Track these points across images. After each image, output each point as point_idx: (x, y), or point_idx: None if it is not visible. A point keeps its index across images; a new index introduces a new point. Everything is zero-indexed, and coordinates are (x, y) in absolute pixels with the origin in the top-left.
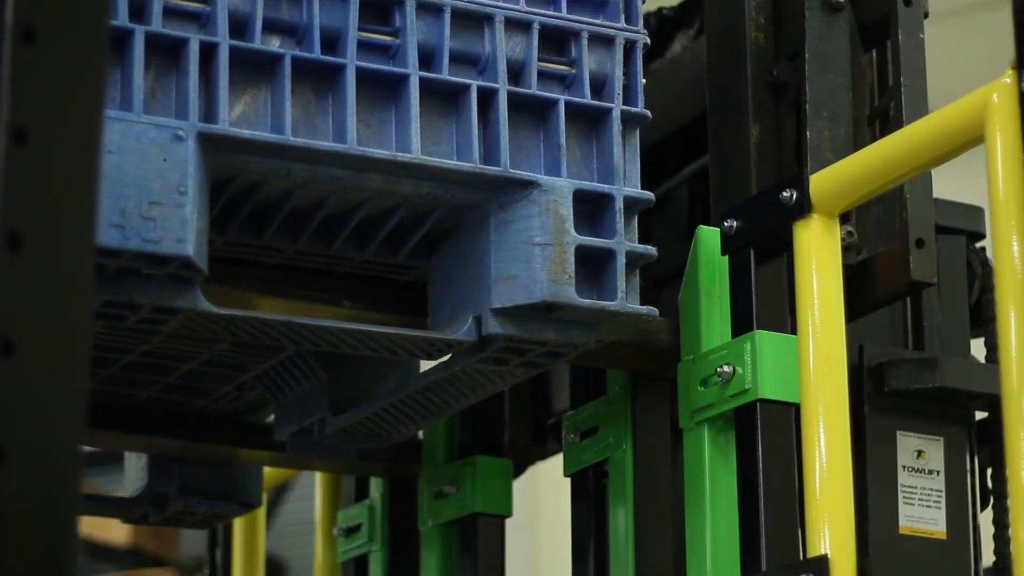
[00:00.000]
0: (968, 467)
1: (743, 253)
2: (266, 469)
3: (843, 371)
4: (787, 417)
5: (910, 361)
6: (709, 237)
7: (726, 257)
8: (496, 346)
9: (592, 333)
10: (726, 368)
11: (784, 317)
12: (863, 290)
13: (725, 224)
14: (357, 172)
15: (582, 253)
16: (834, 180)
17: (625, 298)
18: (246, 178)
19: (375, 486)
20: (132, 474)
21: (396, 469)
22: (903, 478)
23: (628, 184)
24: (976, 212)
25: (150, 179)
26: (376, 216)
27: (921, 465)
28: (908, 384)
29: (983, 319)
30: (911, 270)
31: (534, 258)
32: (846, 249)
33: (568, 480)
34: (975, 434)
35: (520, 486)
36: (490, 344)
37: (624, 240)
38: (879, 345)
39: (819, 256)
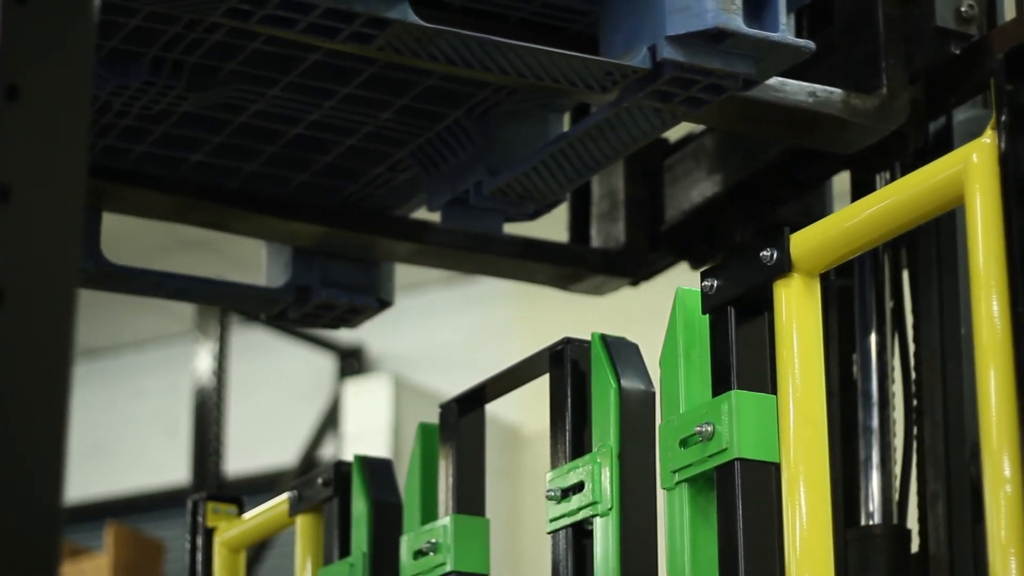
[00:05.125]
0: None
1: (723, 312)
2: (246, 526)
3: (823, 430)
4: (767, 477)
5: None
6: (688, 297)
7: (707, 316)
8: (667, 75)
9: (754, 65)
10: (706, 428)
11: (765, 376)
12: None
13: (705, 283)
14: None
15: None
16: (815, 240)
17: (786, 31)
18: None
19: (356, 544)
20: (275, 269)
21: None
22: None
23: None
24: None
25: None
26: None
27: None
28: None
29: None
30: None
31: None
32: (967, 20)
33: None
34: None
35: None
36: (662, 73)
37: None
38: None
39: (800, 315)
